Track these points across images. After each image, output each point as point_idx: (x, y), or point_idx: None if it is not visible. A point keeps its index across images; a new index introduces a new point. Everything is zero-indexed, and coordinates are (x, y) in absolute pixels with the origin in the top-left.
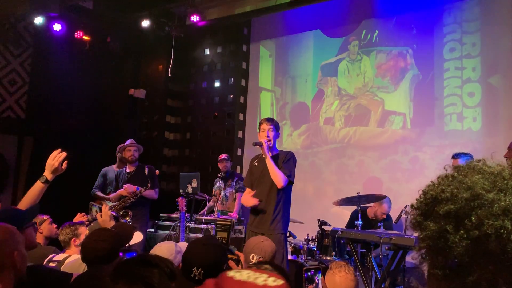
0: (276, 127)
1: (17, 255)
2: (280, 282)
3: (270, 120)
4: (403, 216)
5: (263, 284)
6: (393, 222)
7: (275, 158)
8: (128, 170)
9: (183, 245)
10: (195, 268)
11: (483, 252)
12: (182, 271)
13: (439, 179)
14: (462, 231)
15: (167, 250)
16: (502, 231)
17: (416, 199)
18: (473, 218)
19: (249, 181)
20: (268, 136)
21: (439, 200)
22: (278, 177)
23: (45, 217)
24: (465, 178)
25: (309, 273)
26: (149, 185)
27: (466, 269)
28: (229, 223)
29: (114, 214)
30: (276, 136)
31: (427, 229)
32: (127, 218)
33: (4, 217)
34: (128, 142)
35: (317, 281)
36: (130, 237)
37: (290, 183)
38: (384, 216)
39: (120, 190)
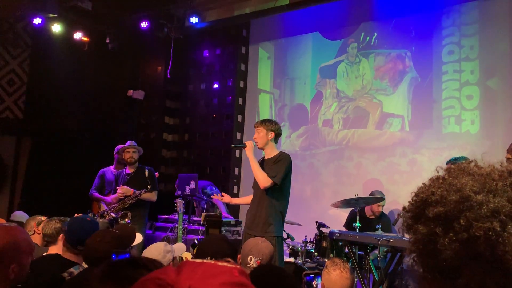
0: (265, 127)
1: (14, 267)
2: (237, 266)
3: (257, 123)
4: (401, 218)
5: (223, 264)
6: (392, 224)
7: (269, 160)
8: (128, 171)
9: (177, 246)
10: (208, 258)
11: (472, 255)
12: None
13: (430, 181)
14: (451, 234)
15: (156, 250)
16: (490, 233)
17: (408, 202)
18: (462, 221)
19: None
20: (255, 138)
21: (429, 203)
22: (259, 178)
23: (42, 218)
24: (454, 180)
25: (308, 278)
26: (149, 187)
27: (456, 272)
28: (220, 219)
29: (114, 215)
30: (266, 137)
31: (417, 233)
32: (126, 220)
33: (76, 227)
34: (128, 143)
35: (315, 286)
36: (132, 239)
37: (275, 184)
38: (380, 209)
39: (116, 194)
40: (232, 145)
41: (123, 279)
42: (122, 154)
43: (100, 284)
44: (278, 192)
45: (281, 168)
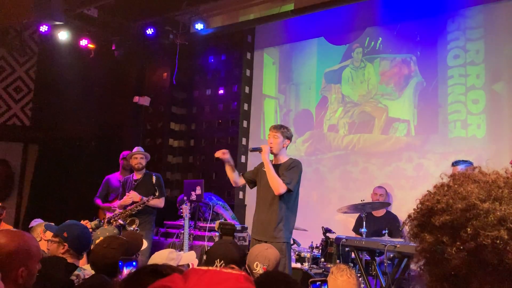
0: (283, 134)
1: (23, 271)
2: (242, 273)
3: (275, 128)
4: (406, 226)
5: (228, 271)
6: (399, 229)
7: (281, 166)
8: (135, 178)
9: (187, 254)
10: (217, 260)
11: (480, 264)
12: (205, 263)
13: (435, 189)
14: (458, 243)
15: (159, 257)
16: (498, 241)
17: (414, 209)
18: (468, 229)
19: (248, 172)
20: (271, 143)
21: (434, 211)
22: (275, 183)
23: None
24: (460, 188)
25: (314, 285)
26: (156, 194)
27: (464, 281)
28: (234, 227)
29: (121, 222)
30: (282, 143)
31: (423, 241)
32: (134, 226)
33: (80, 235)
34: (135, 149)
35: None
36: (140, 246)
37: (289, 191)
38: (378, 197)
39: (124, 198)
40: (250, 149)
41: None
42: (129, 160)
43: None
44: (289, 198)
45: (295, 175)
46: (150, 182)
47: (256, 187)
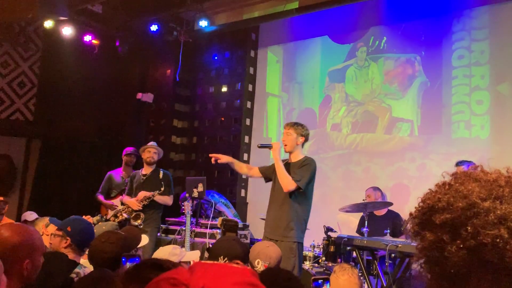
0: (296, 131)
1: (28, 263)
2: (247, 268)
3: (289, 125)
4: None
5: (233, 266)
6: (401, 229)
7: (294, 164)
8: (143, 172)
9: (191, 253)
10: (221, 257)
11: (480, 262)
12: (209, 259)
13: (436, 187)
14: (458, 241)
15: (162, 253)
16: (498, 240)
17: (415, 208)
18: (469, 228)
19: (265, 167)
20: (284, 140)
21: (435, 209)
22: (284, 180)
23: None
24: (461, 186)
25: (316, 283)
26: (162, 189)
27: (463, 279)
28: (236, 223)
29: (126, 216)
30: (296, 141)
31: (424, 240)
32: (139, 221)
33: (83, 230)
34: (150, 143)
35: None
36: (138, 241)
37: (298, 188)
38: (368, 198)
39: (133, 201)
40: (259, 145)
41: (146, 281)
42: (141, 153)
43: (124, 285)
44: (302, 197)
45: (306, 172)
46: (158, 178)
47: (270, 182)
